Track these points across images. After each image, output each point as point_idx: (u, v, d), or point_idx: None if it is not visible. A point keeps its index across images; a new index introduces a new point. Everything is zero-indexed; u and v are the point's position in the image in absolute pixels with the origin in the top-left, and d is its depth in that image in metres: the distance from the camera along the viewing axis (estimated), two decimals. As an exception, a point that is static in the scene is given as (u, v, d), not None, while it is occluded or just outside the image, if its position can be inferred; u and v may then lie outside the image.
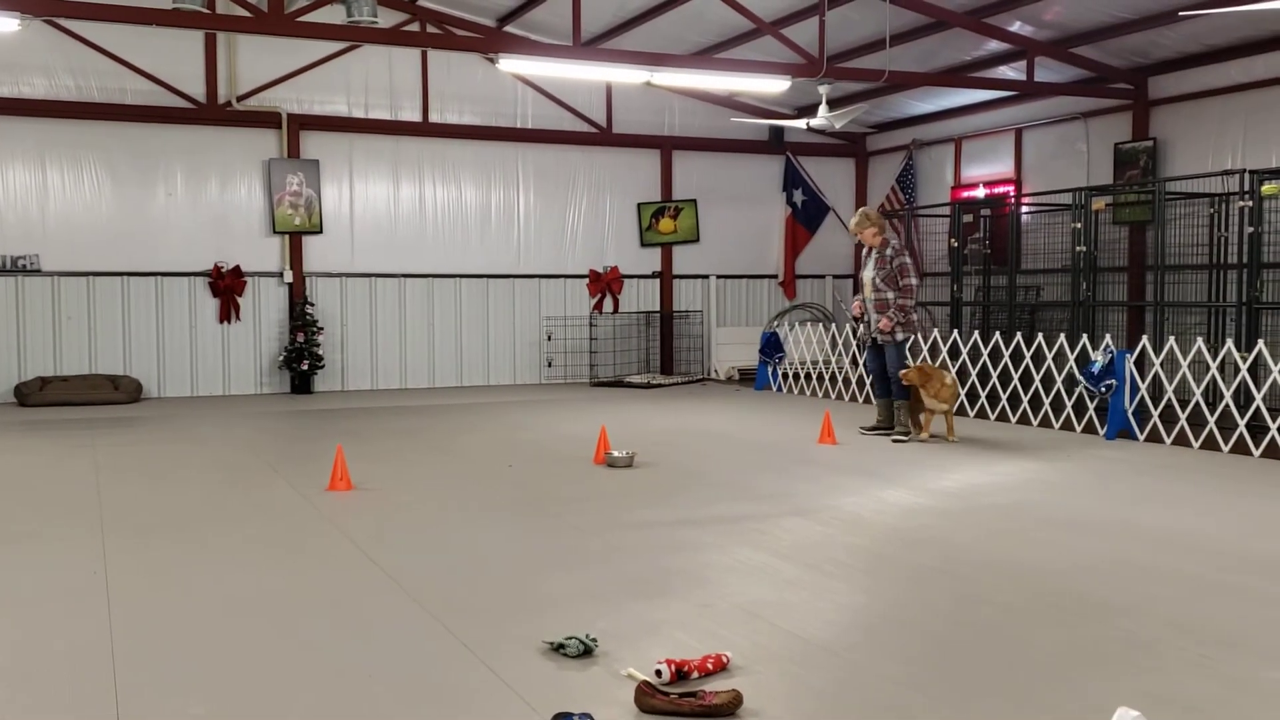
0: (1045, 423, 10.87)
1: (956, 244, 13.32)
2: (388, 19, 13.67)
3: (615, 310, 16.29)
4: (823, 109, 12.60)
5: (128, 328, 13.97)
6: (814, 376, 14.33)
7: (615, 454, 8.50)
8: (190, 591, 5.11)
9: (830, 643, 4.35)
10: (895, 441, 9.76)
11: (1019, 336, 11.60)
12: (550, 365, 15.96)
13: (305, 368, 14.30)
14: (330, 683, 3.91)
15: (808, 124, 13.19)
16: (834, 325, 15.40)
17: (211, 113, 14.16)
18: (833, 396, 13.69)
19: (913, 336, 10.20)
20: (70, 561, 5.62)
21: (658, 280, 16.65)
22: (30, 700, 3.75)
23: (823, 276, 17.53)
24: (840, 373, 13.90)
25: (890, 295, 10.03)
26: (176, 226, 14.14)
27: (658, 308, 16.62)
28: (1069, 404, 10.66)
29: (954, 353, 12.16)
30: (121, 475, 8.22)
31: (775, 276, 17.30)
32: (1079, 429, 10.41)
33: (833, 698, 3.79)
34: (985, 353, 11.72)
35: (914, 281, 10.02)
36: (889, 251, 10.05)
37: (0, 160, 13.40)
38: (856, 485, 7.75)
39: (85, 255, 13.73)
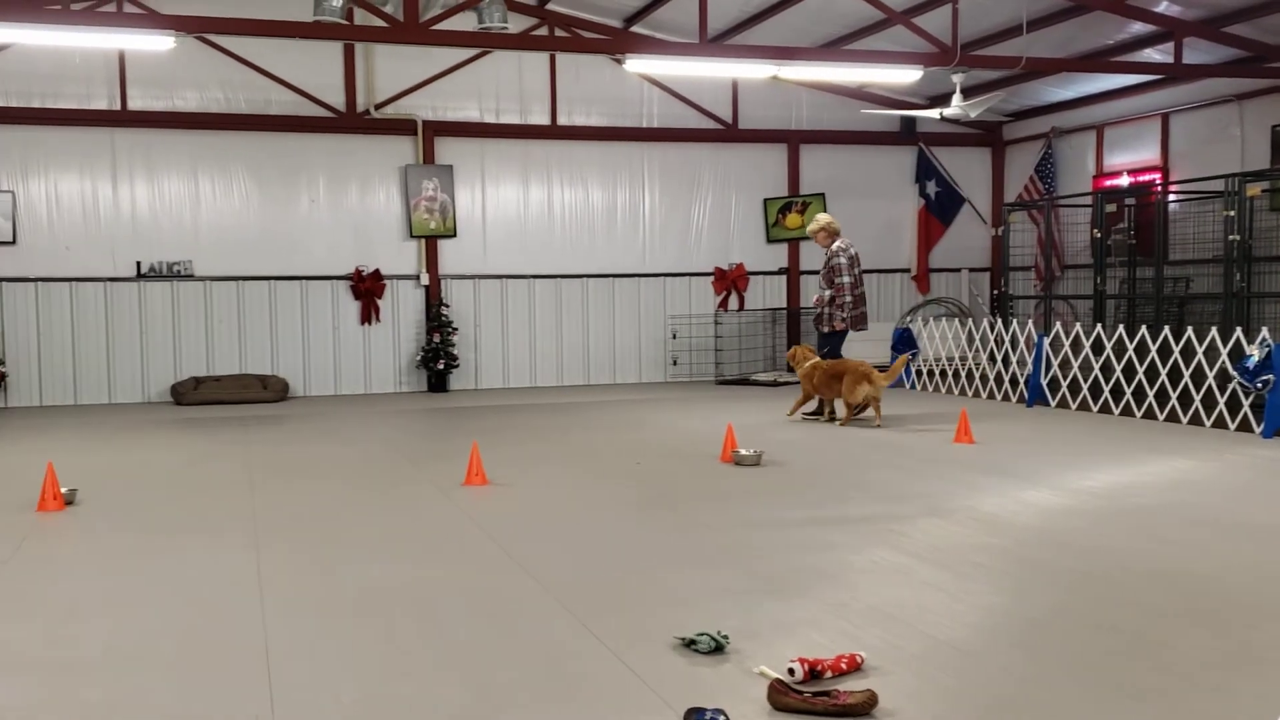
0: (1195, 420, 10.43)
1: (1099, 235, 12.87)
2: (517, 24, 13.91)
3: (741, 308, 16.24)
4: (956, 98, 12.36)
5: (275, 329, 14.55)
6: (949, 373, 14.02)
7: (743, 452, 8.48)
8: (337, 583, 5.30)
9: (967, 645, 4.26)
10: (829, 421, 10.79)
11: (1166, 330, 11.15)
12: (675, 363, 16.01)
13: (441, 367, 14.67)
14: (469, 673, 4.01)
15: (941, 113, 12.95)
16: (970, 320, 15.05)
17: (351, 121, 14.63)
18: (969, 394, 13.38)
19: (846, 328, 11.26)
20: (225, 553, 5.88)
21: (784, 276, 16.53)
22: (190, 688, 3.94)
23: (958, 270, 17.15)
24: (978, 369, 13.57)
25: (828, 292, 11.18)
26: (319, 232, 14.67)
27: (784, 304, 16.50)
28: (1221, 401, 10.20)
29: (1097, 348, 11.76)
30: (271, 471, 8.58)
31: (908, 270, 17.00)
32: (1233, 427, 9.96)
33: (969, 701, 3.71)
34: (1131, 347, 11.30)
35: (846, 280, 11.06)
36: (827, 254, 11.22)
37: (156, 171, 14.12)
38: (995, 485, 7.57)
39: (235, 260, 14.35)
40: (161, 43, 10.49)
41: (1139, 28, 12.54)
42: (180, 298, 14.23)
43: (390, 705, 3.73)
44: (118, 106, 13.88)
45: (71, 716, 3.68)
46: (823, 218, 11.39)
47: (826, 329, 11.29)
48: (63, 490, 7.17)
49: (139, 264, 14.06)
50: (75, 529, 6.59)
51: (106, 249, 13.97)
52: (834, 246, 11.27)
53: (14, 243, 13.63)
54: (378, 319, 14.85)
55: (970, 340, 14.05)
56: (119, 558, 5.86)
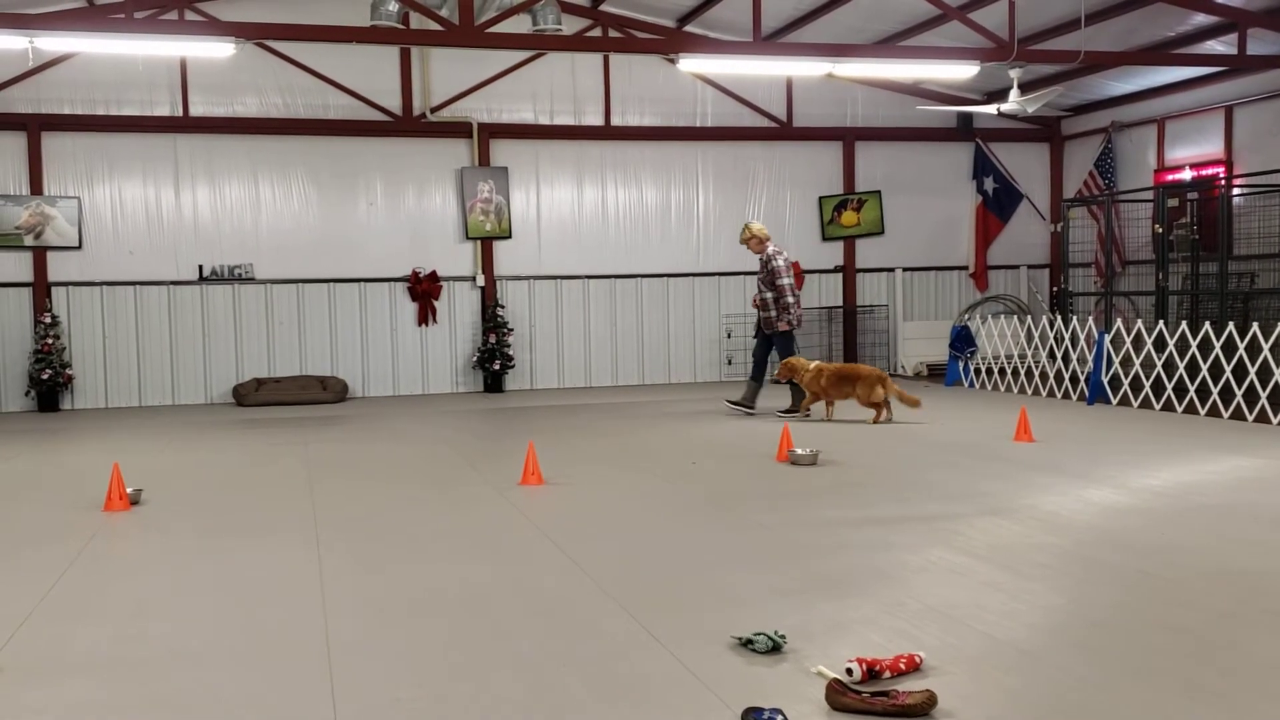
0: (1261, 418, 10.21)
1: (1161, 230, 12.64)
2: (571, 25, 13.97)
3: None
4: (1014, 93, 12.21)
5: (334, 331, 14.75)
6: (1008, 371, 13.85)
7: (799, 451, 8.45)
8: (395, 580, 5.36)
9: (1028, 646, 4.21)
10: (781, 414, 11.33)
11: (1231, 326, 10.92)
12: (730, 363, 15.98)
13: (497, 367, 14.77)
14: (528, 672, 4.04)
15: (998, 109, 12.81)
16: (1029, 318, 14.86)
17: (407, 125, 14.79)
18: (1029, 392, 13.21)
19: (792, 328, 11.53)
20: (287, 552, 5.98)
21: (840, 275, 16.43)
22: (254, 685, 4.01)
23: (1016, 267, 16.94)
24: (1037, 367, 13.39)
25: (769, 295, 11.47)
26: (377, 234, 14.84)
27: (840, 303, 16.40)
28: (1289, 397, 9.98)
29: (1159, 344, 11.56)
30: (331, 470, 8.69)
31: (965, 268, 16.82)
32: (1301, 424, 9.74)
33: (1030, 702, 3.67)
34: (1194, 344, 11.10)
35: (787, 282, 11.40)
36: (764, 258, 11.55)
37: (218, 176, 14.37)
38: (1056, 484, 7.47)
39: (294, 263, 14.57)
40: (222, 49, 10.68)
41: (1201, 19, 12.30)
42: (241, 300, 14.47)
43: (450, 704, 3.77)
44: (180, 113, 14.15)
45: (138, 712, 3.76)
46: (754, 225, 11.76)
47: (770, 331, 11.59)
48: (128, 490, 7.32)
49: (201, 267, 14.32)
50: (141, 528, 6.73)
51: (169, 253, 14.24)
52: (769, 251, 11.58)
53: (80, 247, 13.95)
54: (434, 320, 14.99)
55: (1029, 338, 13.86)
56: (183, 556, 5.98)
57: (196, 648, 4.40)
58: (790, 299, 11.43)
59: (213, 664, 4.21)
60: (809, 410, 11.28)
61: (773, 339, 11.63)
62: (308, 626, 4.63)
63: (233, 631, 4.60)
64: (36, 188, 13.79)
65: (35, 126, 13.71)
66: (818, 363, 11.31)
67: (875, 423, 10.72)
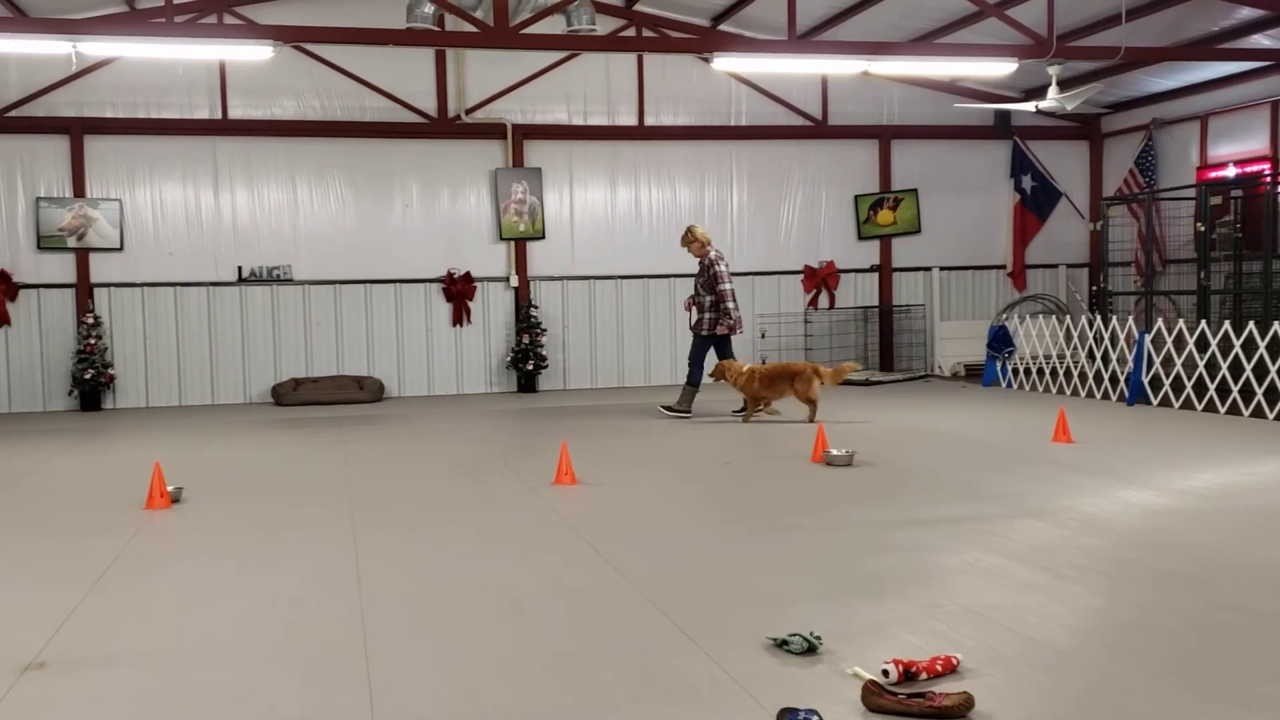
0: (1307, 418, 10.06)
1: (1203, 229, 12.47)
2: (605, 25, 13.97)
3: (831, 306, 16.10)
4: (1053, 90, 12.09)
5: (370, 332, 14.85)
6: (1047, 372, 13.72)
7: (834, 452, 8.41)
8: (432, 577, 5.39)
9: (1068, 648, 4.17)
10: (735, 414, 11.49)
11: (1276, 326, 10.76)
12: (765, 363, 15.89)
13: (530, 368, 14.81)
14: (564, 671, 4.05)
15: (1036, 106, 12.69)
16: (1068, 317, 14.71)
17: (442, 126, 14.86)
18: (1068, 392, 13.08)
19: (729, 332, 11.63)
20: (325, 548, 6.02)
21: (876, 274, 16.34)
22: (292, 681, 4.05)
23: (1055, 266, 16.78)
24: (1076, 367, 13.26)
25: (709, 299, 11.58)
26: (412, 236, 14.93)
27: (876, 302, 16.32)
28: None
29: (1201, 344, 11.41)
30: (368, 468, 8.76)
31: (1003, 267, 16.68)
32: (1347, 425, 9.58)
33: (1071, 705, 3.63)
34: (1237, 344, 10.94)
35: (728, 287, 11.54)
36: (705, 262, 11.63)
37: (257, 178, 14.51)
38: (1095, 485, 7.39)
39: (331, 264, 14.68)
40: (261, 52, 10.78)
41: (1246, 13, 12.11)
42: (280, 301, 14.60)
43: (486, 702, 3.78)
44: (219, 116, 14.30)
45: (179, 706, 3.80)
46: (697, 230, 11.86)
47: (707, 332, 11.65)
48: (169, 488, 7.40)
49: (240, 269, 14.46)
50: (181, 526, 6.81)
51: (209, 254, 14.40)
52: (711, 255, 11.65)
53: (121, 249, 14.13)
54: (469, 321, 15.06)
55: (1068, 338, 13.73)
56: (223, 553, 6.04)
57: (236, 643, 4.45)
58: (730, 304, 11.53)
59: (252, 659, 4.25)
60: (770, 409, 11.31)
61: (708, 341, 11.69)
62: (345, 623, 4.66)
63: (272, 627, 4.65)
64: (79, 190, 13.98)
65: (78, 130, 13.90)
66: (750, 365, 11.39)
67: (811, 421, 10.72)
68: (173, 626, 4.70)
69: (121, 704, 3.83)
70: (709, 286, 11.62)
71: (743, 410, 11.38)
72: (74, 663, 4.24)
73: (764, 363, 15.81)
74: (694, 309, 11.81)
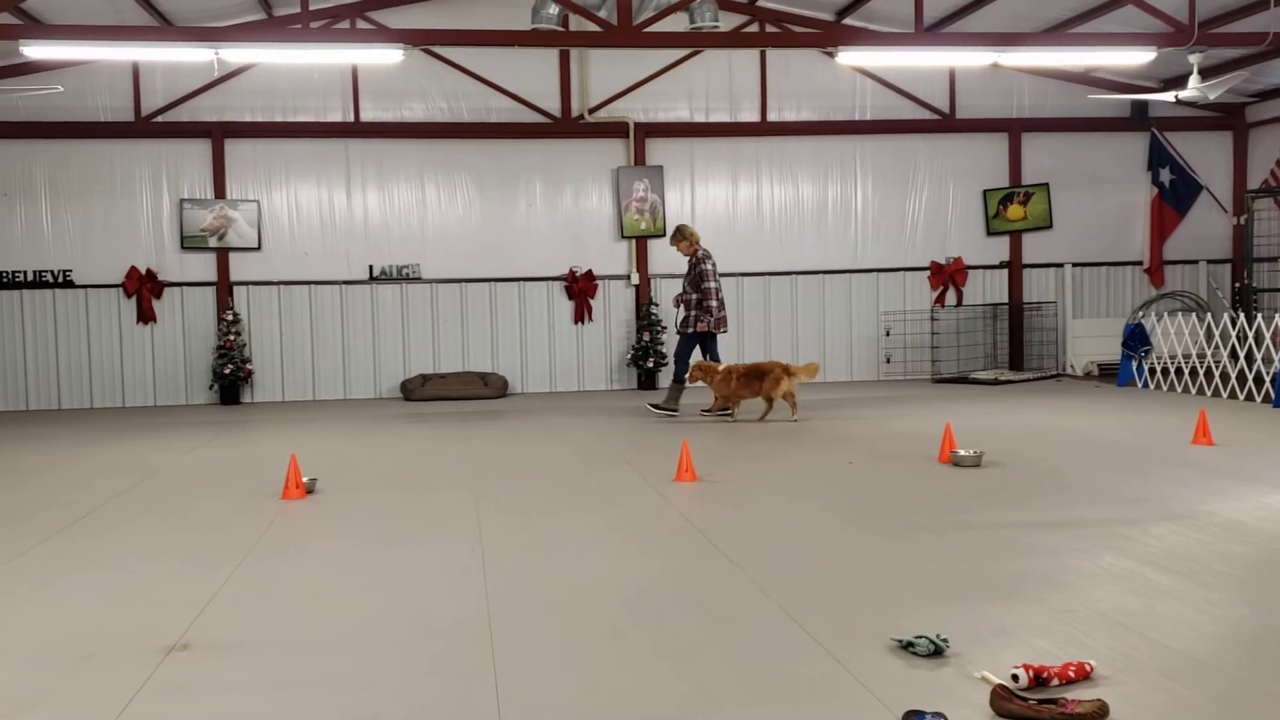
0: None
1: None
2: (727, 22, 13.94)
3: (959, 303, 15.75)
4: (1193, 79, 11.62)
5: (495, 329, 15.11)
6: (1186, 371, 13.19)
7: (961, 452, 8.23)
8: (555, 569, 5.46)
9: (1207, 656, 4.01)
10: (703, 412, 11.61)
11: None
12: (889, 361, 15.68)
13: (650, 365, 14.87)
14: (686, 667, 4.06)
15: (1176, 96, 12.22)
16: (1209, 315, 14.12)
17: (566, 126, 15.03)
18: (1208, 393, 12.55)
19: (715, 331, 11.66)
20: (452, 539, 6.16)
21: (1005, 270, 15.93)
22: (421, 670, 4.15)
23: (1195, 262, 16.11)
24: (1218, 367, 12.71)
25: (694, 296, 11.61)
26: (536, 234, 15.13)
27: (1005, 299, 15.91)
28: None
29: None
30: (493, 462, 8.92)
31: (1140, 263, 16.08)
32: None
33: (1209, 715, 3.49)
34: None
35: (713, 285, 11.55)
36: (693, 260, 11.71)
37: (387, 179, 14.91)
38: (1237, 489, 7.08)
39: (458, 263, 14.99)
40: (391, 56, 11.08)
41: (1407, -7, 11.45)
42: (409, 299, 14.97)
43: (608, 695, 3.82)
44: (351, 118, 14.72)
45: (314, 689, 3.93)
46: (686, 228, 11.96)
47: (691, 330, 11.74)
48: (304, 479, 7.67)
49: (371, 267, 14.87)
50: (315, 516, 7.04)
51: (342, 253, 14.84)
52: (699, 254, 11.74)
53: (259, 249, 14.67)
54: (590, 318, 15.20)
55: (1209, 336, 13.17)
56: (355, 542, 6.23)
57: (366, 630, 4.58)
58: (713, 302, 11.59)
59: (381, 646, 4.37)
60: (732, 411, 11.37)
61: (694, 339, 11.77)
62: (471, 612, 4.76)
63: (400, 617, 4.77)
64: (220, 192, 14.57)
65: (219, 134, 14.48)
66: (726, 365, 11.44)
67: (763, 419, 11.02)
68: (306, 613, 4.87)
69: (258, 688, 3.98)
70: (695, 284, 11.71)
71: (724, 411, 11.42)
72: (214, 646, 4.42)
73: (888, 361, 15.63)
74: (681, 306, 11.92)
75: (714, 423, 11.20)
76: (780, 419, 11.12)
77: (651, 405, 12.06)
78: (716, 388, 11.31)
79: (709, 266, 11.68)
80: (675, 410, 11.78)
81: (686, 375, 11.66)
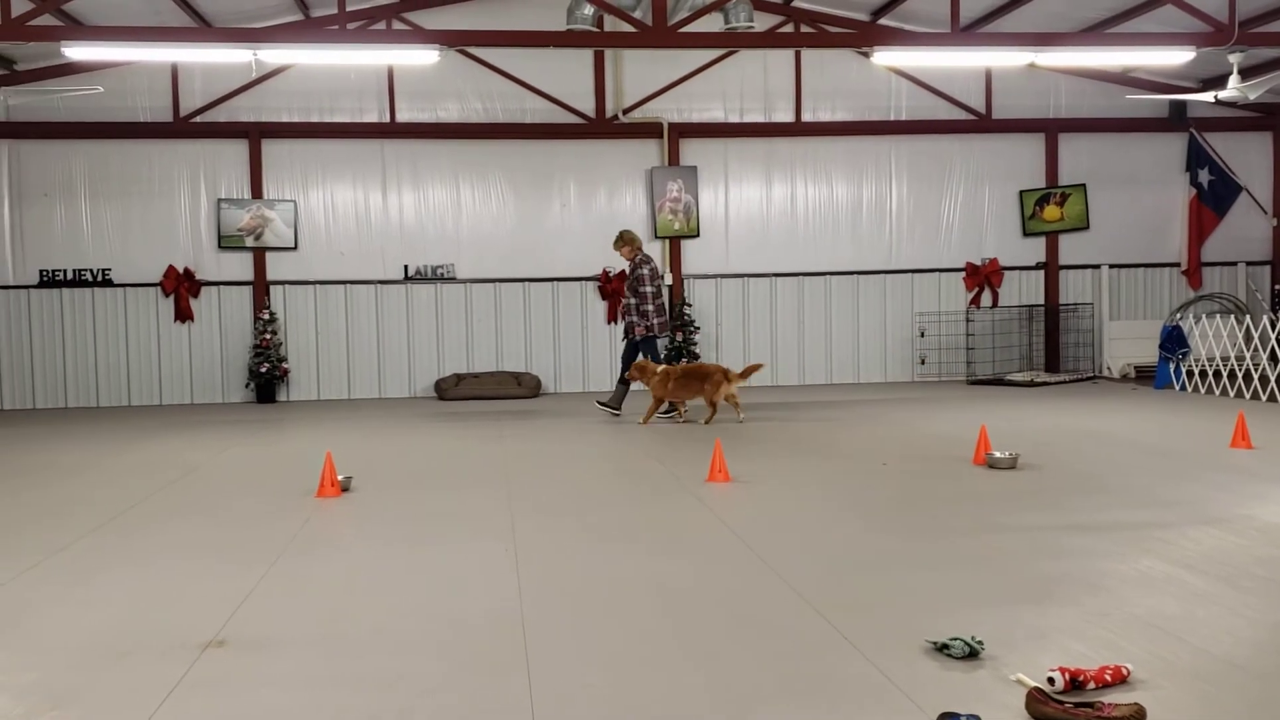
0: None
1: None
2: (762, 22, 13.91)
3: (994, 304, 15.65)
4: (1233, 79, 11.50)
5: (529, 328, 15.17)
6: (1224, 374, 13.03)
7: (997, 454, 8.18)
8: (588, 568, 5.47)
9: (1246, 662, 3.96)
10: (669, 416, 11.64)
11: None
12: (923, 362, 15.60)
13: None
14: (718, 667, 4.05)
15: (1215, 96, 12.10)
16: (1248, 317, 13.93)
17: (600, 127, 15.06)
18: (1247, 396, 12.39)
19: (656, 335, 11.90)
20: (486, 538, 6.18)
21: (1042, 271, 15.81)
22: (455, 668, 4.17)
23: (1234, 264, 15.92)
24: (1256, 370, 12.54)
25: (632, 302, 11.84)
26: (569, 235, 15.17)
27: (1042, 301, 15.78)
28: None
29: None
30: (526, 462, 8.95)
31: (1178, 265, 15.91)
32: None
33: (1252, 723, 3.45)
34: None
35: (649, 290, 11.76)
36: (632, 265, 11.93)
37: (422, 179, 15.00)
38: (1276, 493, 6.99)
39: (492, 263, 15.06)
40: (427, 56, 11.13)
41: None
42: (443, 299, 15.05)
43: (640, 692, 3.82)
44: (387, 119, 14.82)
45: (349, 686, 3.96)
46: (628, 234, 12.14)
47: (634, 336, 11.95)
48: (340, 477, 7.72)
49: (406, 267, 14.97)
50: (350, 514, 7.09)
51: (377, 253, 14.95)
52: (637, 259, 11.94)
53: (295, 248, 14.80)
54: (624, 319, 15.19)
55: (1248, 339, 13.01)
56: (389, 541, 6.27)
57: (400, 628, 4.61)
58: (649, 307, 11.78)
59: (415, 644, 4.40)
60: (678, 409, 11.52)
61: (638, 344, 11.93)
62: (505, 610, 4.78)
63: (434, 615, 4.80)
64: (257, 192, 14.71)
65: (256, 134, 14.62)
66: (664, 367, 11.53)
67: (708, 422, 11.08)
68: (342, 610, 4.90)
69: (293, 685, 4.01)
70: (632, 290, 11.90)
71: (668, 413, 11.55)
72: (250, 643, 4.46)
73: (923, 363, 15.56)
74: (622, 314, 12.21)
75: (739, 425, 11.16)
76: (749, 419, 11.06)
77: (599, 402, 12.30)
78: (654, 389, 11.40)
79: (645, 272, 11.84)
80: (618, 411, 11.99)
81: (627, 374, 11.85)
